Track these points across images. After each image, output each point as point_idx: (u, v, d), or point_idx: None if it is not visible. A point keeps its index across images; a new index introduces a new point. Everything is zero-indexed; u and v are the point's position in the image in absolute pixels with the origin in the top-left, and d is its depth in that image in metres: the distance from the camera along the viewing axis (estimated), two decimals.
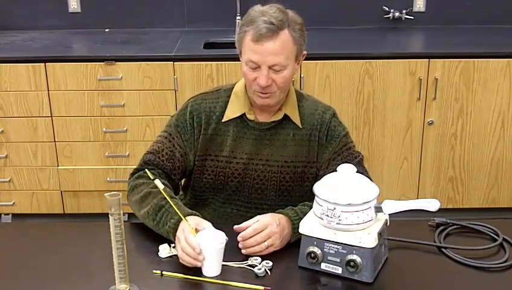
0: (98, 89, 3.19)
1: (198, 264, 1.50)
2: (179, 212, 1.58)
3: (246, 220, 1.75)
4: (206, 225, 1.58)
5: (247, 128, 1.80)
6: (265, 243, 1.56)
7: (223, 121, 1.81)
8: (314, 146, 1.81)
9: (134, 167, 1.86)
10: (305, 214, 1.59)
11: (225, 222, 1.80)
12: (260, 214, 1.71)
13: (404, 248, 1.62)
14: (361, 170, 1.75)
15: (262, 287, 1.45)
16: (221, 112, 1.82)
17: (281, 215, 1.64)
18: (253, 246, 1.57)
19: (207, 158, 1.82)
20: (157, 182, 1.62)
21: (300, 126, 1.80)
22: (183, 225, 1.58)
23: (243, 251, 1.58)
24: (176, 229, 1.60)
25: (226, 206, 1.84)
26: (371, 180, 1.75)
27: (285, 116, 1.80)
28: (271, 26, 1.65)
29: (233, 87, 1.85)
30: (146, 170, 1.75)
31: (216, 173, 1.81)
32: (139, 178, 1.79)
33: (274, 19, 1.66)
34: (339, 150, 1.80)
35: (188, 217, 1.59)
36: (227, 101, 1.82)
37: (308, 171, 1.81)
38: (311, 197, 1.78)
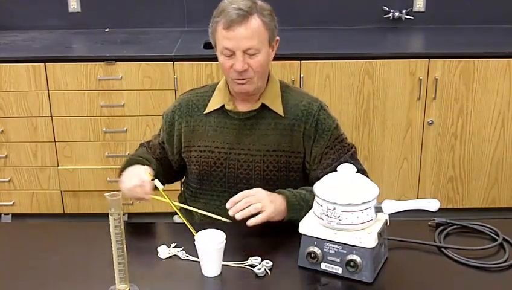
0: (98, 89, 3.19)
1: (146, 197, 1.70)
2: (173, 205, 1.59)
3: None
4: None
5: (227, 118, 1.85)
6: (258, 204, 1.61)
7: (204, 112, 1.87)
8: (298, 136, 1.82)
9: None
10: (301, 195, 1.66)
11: (217, 214, 1.82)
12: None
13: (404, 248, 1.62)
14: (356, 163, 1.77)
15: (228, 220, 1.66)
16: (204, 105, 1.88)
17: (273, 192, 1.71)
18: (244, 209, 1.61)
19: (191, 149, 1.88)
20: (157, 182, 1.70)
21: (283, 115, 1.83)
22: (136, 171, 1.76)
23: (237, 216, 1.61)
24: (122, 169, 1.82)
25: (215, 199, 1.86)
26: (366, 171, 1.77)
27: (265, 106, 1.83)
28: (240, 12, 1.71)
29: (218, 83, 1.92)
30: (146, 171, 1.78)
31: (200, 163, 1.86)
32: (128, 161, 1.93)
33: (243, 6, 1.73)
34: (331, 143, 1.83)
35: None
36: (212, 95, 1.89)
37: (292, 161, 1.83)
38: (297, 187, 1.82)
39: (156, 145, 1.97)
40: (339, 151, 1.82)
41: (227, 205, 1.63)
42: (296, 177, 1.83)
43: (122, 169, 1.84)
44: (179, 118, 1.90)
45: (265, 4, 1.79)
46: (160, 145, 1.96)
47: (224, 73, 1.81)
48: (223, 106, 1.85)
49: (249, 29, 1.72)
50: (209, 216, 1.76)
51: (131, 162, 1.86)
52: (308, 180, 1.84)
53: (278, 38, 1.83)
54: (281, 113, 1.83)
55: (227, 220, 1.71)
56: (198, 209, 1.84)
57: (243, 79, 1.76)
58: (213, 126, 1.86)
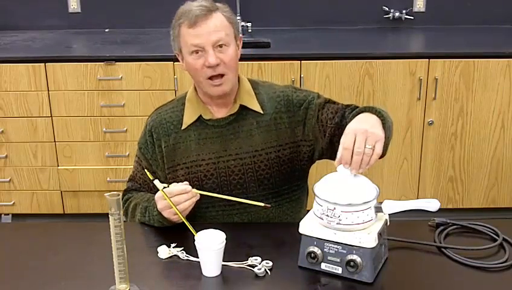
0: (98, 89, 3.19)
1: (194, 199, 1.64)
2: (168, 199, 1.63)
3: (233, 219, 1.79)
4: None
5: (207, 128, 1.81)
6: (368, 146, 1.47)
7: (182, 128, 1.82)
8: (284, 129, 1.81)
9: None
10: (375, 108, 1.62)
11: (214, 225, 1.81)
12: (246, 208, 1.76)
13: (404, 248, 1.62)
14: (350, 107, 1.79)
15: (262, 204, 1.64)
16: (179, 120, 1.83)
17: (352, 121, 1.58)
18: (361, 162, 1.46)
19: (177, 168, 1.83)
20: (157, 182, 1.66)
21: (262, 112, 1.82)
22: (157, 198, 1.68)
23: (361, 171, 1.48)
24: (160, 213, 1.68)
25: (211, 209, 1.83)
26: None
27: (243, 107, 1.81)
28: (204, 8, 1.72)
29: (186, 96, 1.87)
30: (146, 170, 1.80)
31: (189, 179, 1.80)
32: (125, 203, 1.89)
33: (206, 3, 1.74)
34: (321, 107, 1.82)
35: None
36: (183, 109, 1.84)
37: (282, 154, 1.81)
38: (291, 179, 1.83)
39: (148, 178, 1.79)
40: (332, 104, 1.82)
41: (345, 166, 1.47)
42: (287, 169, 1.82)
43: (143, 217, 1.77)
44: (156, 141, 1.84)
45: (224, 5, 1.79)
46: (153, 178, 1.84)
47: (196, 76, 1.76)
48: (200, 117, 1.81)
49: (215, 22, 1.72)
50: (243, 202, 1.69)
51: (143, 203, 1.78)
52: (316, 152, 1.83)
53: (241, 36, 1.83)
54: (260, 110, 1.81)
55: (262, 204, 1.66)
56: (197, 221, 1.81)
57: (219, 78, 1.73)
58: (194, 140, 1.81)
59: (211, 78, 1.74)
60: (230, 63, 1.74)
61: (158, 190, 1.67)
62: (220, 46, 1.72)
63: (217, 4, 1.76)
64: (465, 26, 3.66)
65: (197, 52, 1.73)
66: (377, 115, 1.59)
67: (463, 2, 3.66)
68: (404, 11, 3.63)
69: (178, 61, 3.31)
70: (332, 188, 1.48)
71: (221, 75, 1.74)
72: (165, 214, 1.67)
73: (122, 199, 1.86)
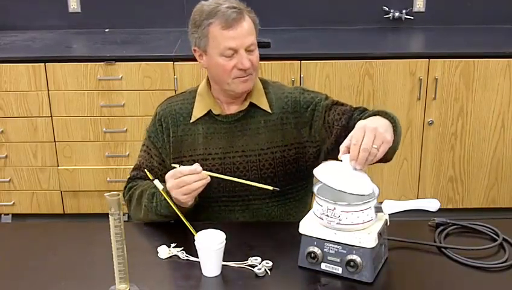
0: (98, 89, 3.19)
1: (204, 181, 1.61)
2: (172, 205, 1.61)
3: (235, 215, 1.80)
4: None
5: (216, 123, 1.82)
6: (374, 146, 1.48)
7: (191, 121, 1.83)
8: (290, 129, 1.82)
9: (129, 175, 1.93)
10: (386, 111, 1.64)
11: (216, 220, 1.82)
12: (248, 205, 1.77)
13: (404, 248, 1.62)
14: (360, 108, 1.78)
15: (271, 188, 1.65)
16: (188, 113, 1.84)
17: (363, 120, 1.59)
18: (366, 159, 1.48)
19: (182, 160, 1.83)
20: (157, 182, 1.67)
21: (270, 111, 1.82)
22: (167, 177, 1.65)
23: (360, 167, 1.49)
24: (168, 194, 1.65)
25: (214, 205, 1.83)
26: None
27: (253, 105, 1.82)
28: (237, 10, 1.72)
29: (197, 89, 1.88)
30: (145, 170, 1.80)
31: None
32: (129, 190, 1.86)
33: (235, 4, 1.74)
34: (328, 109, 1.80)
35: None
36: (193, 102, 1.85)
37: (287, 154, 1.82)
38: (296, 179, 1.83)
39: (156, 167, 1.85)
40: (339, 106, 1.81)
41: (351, 163, 1.48)
42: (292, 169, 1.83)
43: (150, 205, 1.75)
44: (165, 129, 1.85)
45: (241, 2, 1.80)
46: (161, 166, 1.85)
47: (223, 75, 1.76)
48: (209, 111, 1.82)
49: (247, 25, 1.73)
50: (249, 184, 1.69)
51: (149, 190, 1.76)
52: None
53: None
54: (268, 109, 1.83)
55: (270, 187, 1.66)
56: (200, 216, 1.81)
57: (246, 76, 1.75)
58: (202, 134, 1.82)
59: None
60: (257, 64, 1.78)
61: (163, 178, 1.67)
62: (250, 48, 1.74)
63: (239, 2, 1.77)
64: (465, 26, 3.66)
65: (230, 55, 1.73)
66: (389, 120, 1.61)
67: (463, 2, 3.66)
68: (404, 11, 3.63)
69: (178, 61, 3.33)
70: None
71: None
72: (173, 193, 1.64)
73: (125, 188, 1.87)
